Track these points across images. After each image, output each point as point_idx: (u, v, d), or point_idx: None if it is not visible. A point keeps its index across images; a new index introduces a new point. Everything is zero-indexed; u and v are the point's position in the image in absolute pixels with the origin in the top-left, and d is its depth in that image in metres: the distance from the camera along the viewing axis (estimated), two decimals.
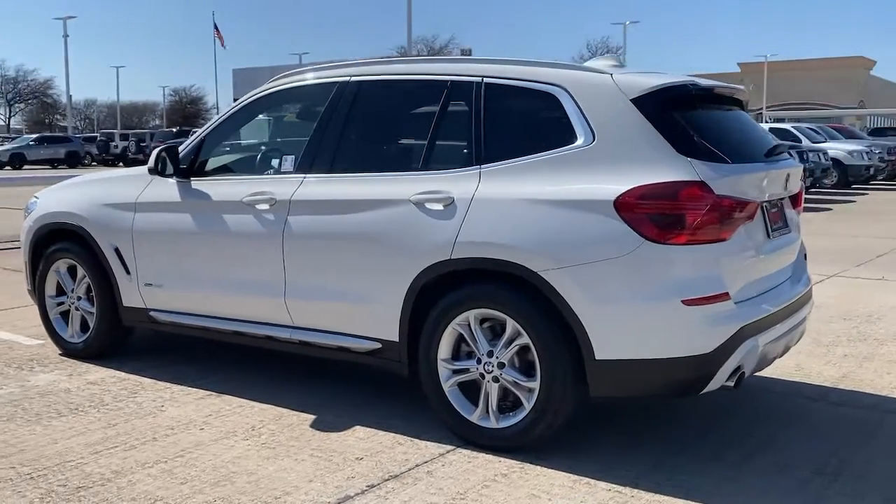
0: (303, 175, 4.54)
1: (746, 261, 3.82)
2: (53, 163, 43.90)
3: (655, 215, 3.55)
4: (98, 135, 52.91)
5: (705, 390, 3.68)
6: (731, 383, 3.69)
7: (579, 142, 3.80)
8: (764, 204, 4.00)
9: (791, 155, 4.61)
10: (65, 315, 5.66)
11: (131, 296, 5.22)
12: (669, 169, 3.62)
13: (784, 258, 4.20)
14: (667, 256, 3.56)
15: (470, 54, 76.25)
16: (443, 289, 4.01)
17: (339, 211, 4.33)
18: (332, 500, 3.43)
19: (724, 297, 3.62)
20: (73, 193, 5.60)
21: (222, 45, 71.59)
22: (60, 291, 5.66)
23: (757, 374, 4.88)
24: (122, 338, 5.53)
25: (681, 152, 3.65)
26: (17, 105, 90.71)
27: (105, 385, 4.99)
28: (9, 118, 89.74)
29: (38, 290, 5.76)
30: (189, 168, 4.98)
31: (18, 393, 4.84)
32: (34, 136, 48.78)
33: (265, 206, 4.56)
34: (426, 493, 3.49)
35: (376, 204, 4.20)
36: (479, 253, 3.88)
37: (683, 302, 3.54)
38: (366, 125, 4.56)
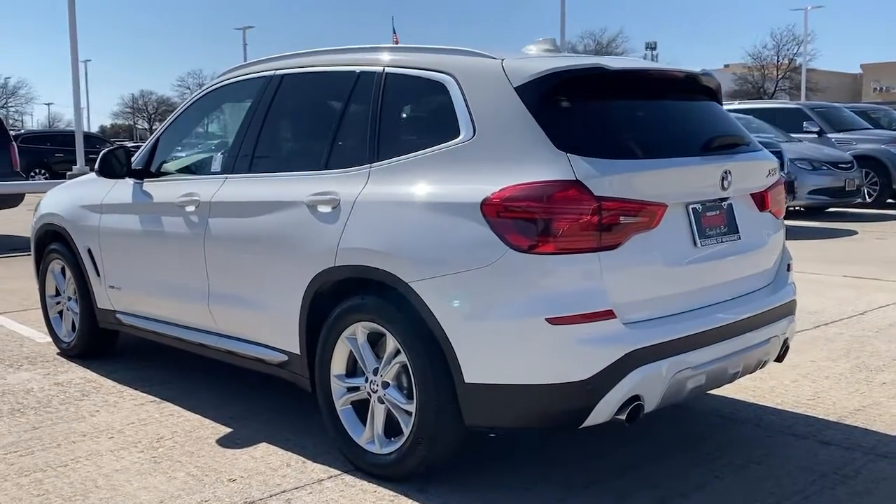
0: (226, 175, 4.34)
1: (651, 273, 3.24)
2: None
3: (521, 220, 3.06)
4: None
5: (587, 424, 3.14)
6: (622, 417, 3.13)
7: (461, 136, 3.36)
8: (690, 205, 3.39)
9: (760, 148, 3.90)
10: (62, 314, 5.76)
11: (102, 297, 5.21)
12: (543, 167, 3.11)
13: (728, 269, 3.55)
14: (531, 267, 3.05)
15: (655, 48, 73.93)
16: (335, 298, 3.68)
17: (246, 213, 4.09)
18: None
19: (607, 315, 3.07)
20: (61, 194, 5.68)
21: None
22: (59, 291, 5.76)
23: (759, 401, 4.27)
24: (106, 339, 5.53)
25: (560, 147, 3.12)
26: None
27: (66, 386, 5.00)
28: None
29: (39, 290, 5.90)
30: (145, 169, 4.89)
31: None
32: None
33: (192, 208, 4.39)
34: None
35: (276, 206, 3.93)
36: (356, 260, 3.52)
37: (548, 320, 3.02)
38: (283, 122, 4.30)
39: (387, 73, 3.74)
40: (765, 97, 56.18)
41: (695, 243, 3.38)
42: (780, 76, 64.80)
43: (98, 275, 5.18)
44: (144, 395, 4.81)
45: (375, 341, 3.56)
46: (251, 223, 4.04)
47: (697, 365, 3.29)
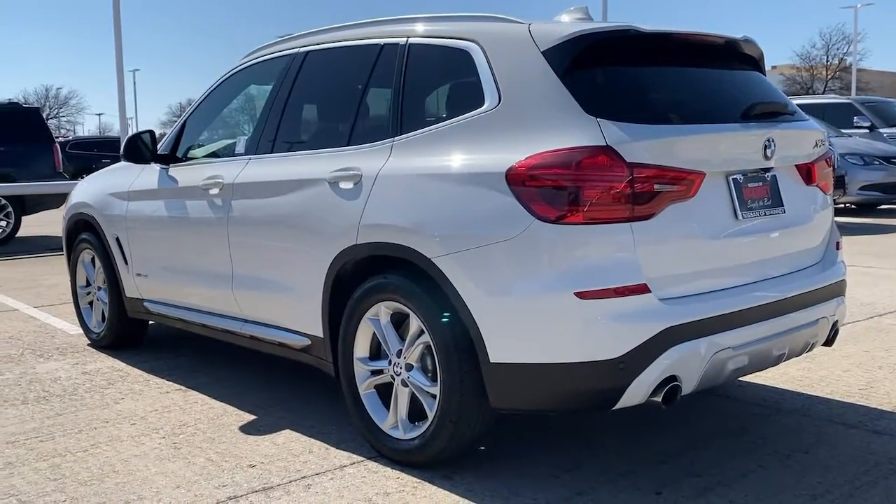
0: (249, 157, 4.23)
1: (689, 246, 3.04)
2: None
3: (548, 189, 2.89)
4: None
5: (620, 405, 2.95)
6: (658, 398, 2.94)
7: (486, 105, 3.20)
8: (731, 175, 3.19)
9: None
10: (92, 305, 5.71)
11: (130, 286, 5.14)
12: (572, 133, 2.94)
13: (773, 244, 3.33)
14: (559, 239, 2.88)
15: None
16: (358, 278, 3.55)
17: (267, 194, 3.98)
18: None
19: (641, 289, 2.89)
20: (91, 183, 5.64)
21: None
22: (89, 282, 5.71)
23: (807, 390, 4.06)
24: (135, 329, 5.46)
25: (590, 112, 2.95)
26: None
27: (93, 375, 4.94)
28: None
29: (70, 281, 5.87)
30: (171, 154, 4.82)
31: (12, 379, 4.89)
32: None
33: (216, 191, 4.30)
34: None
35: (298, 185, 3.81)
36: (378, 237, 3.38)
37: (577, 295, 2.85)
38: (306, 99, 4.18)
39: (410, 44, 3.60)
40: None
41: (736, 216, 3.18)
42: (829, 76, 63.45)
43: (126, 263, 5.12)
44: (170, 383, 4.73)
45: (399, 322, 3.42)
46: (273, 203, 3.93)
47: (739, 345, 3.09)
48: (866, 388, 4.31)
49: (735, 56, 3.58)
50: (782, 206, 3.37)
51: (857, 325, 5.64)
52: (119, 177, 5.23)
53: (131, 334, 5.46)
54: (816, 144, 3.57)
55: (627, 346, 2.85)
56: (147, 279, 4.97)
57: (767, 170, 3.31)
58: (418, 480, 3.27)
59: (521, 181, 2.94)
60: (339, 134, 3.82)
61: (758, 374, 4.39)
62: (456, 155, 3.20)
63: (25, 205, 12.22)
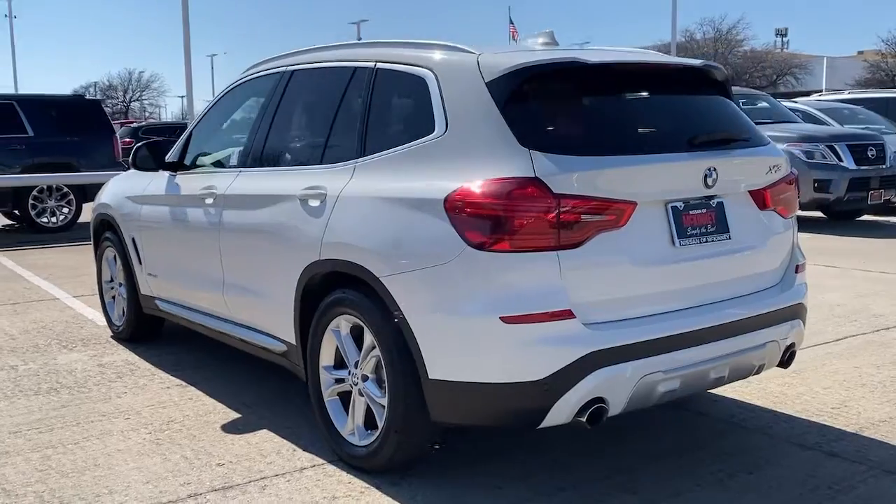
0: (240, 169, 4.47)
1: (619, 273, 3.14)
2: None
3: (478, 217, 3.03)
4: None
5: (546, 424, 3.09)
6: (583, 418, 3.06)
7: (435, 132, 3.35)
8: (670, 203, 3.27)
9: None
10: (115, 300, 6.05)
11: (144, 284, 5.46)
12: (504, 163, 3.07)
13: (715, 270, 3.40)
14: (487, 265, 3.02)
15: (786, 35, 70.75)
16: (323, 291, 3.75)
17: (251, 206, 4.21)
18: (143, 501, 3.34)
19: (565, 314, 3.01)
20: (114, 185, 5.96)
21: (515, 39, 73.22)
22: (112, 278, 6.05)
23: (779, 407, 4.11)
24: (150, 325, 5.78)
25: (524, 144, 3.07)
26: None
27: (106, 368, 5.27)
28: None
29: (97, 276, 6.23)
30: (179, 162, 5.09)
31: (33, 369, 5.25)
32: None
33: (210, 200, 4.55)
34: None
35: (275, 199, 4.03)
36: (337, 254, 3.57)
37: (503, 319, 2.99)
38: (290, 116, 4.37)
39: (377, 69, 3.77)
40: None
41: (673, 243, 3.26)
42: None
43: (140, 263, 5.43)
44: (173, 378, 5.02)
45: (359, 335, 3.60)
46: (255, 215, 4.16)
47: (670, 369, 3.18)
48: (839, 406, 4.32)
49: (691, 82, 3.64)
50: (727, 232, 3.43)
51: (858, 338, 5.61)
52: (136, 181, 5.53)
53: (147, 329, 5.78)
54: (771, 170, 3.61)
55: (551, 369, 2.98)
56: (157, 279, 5.27)
57: (711, 197, 3.38)
58: (367, 486, 3.46)
59: (455, 209, 3.08)
60: (315, 152, 4.02)
61: (735, 389, 4.49)
62: (405, 180, 3.36)
63: (87, 193, 12.80)
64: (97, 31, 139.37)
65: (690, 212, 3.32)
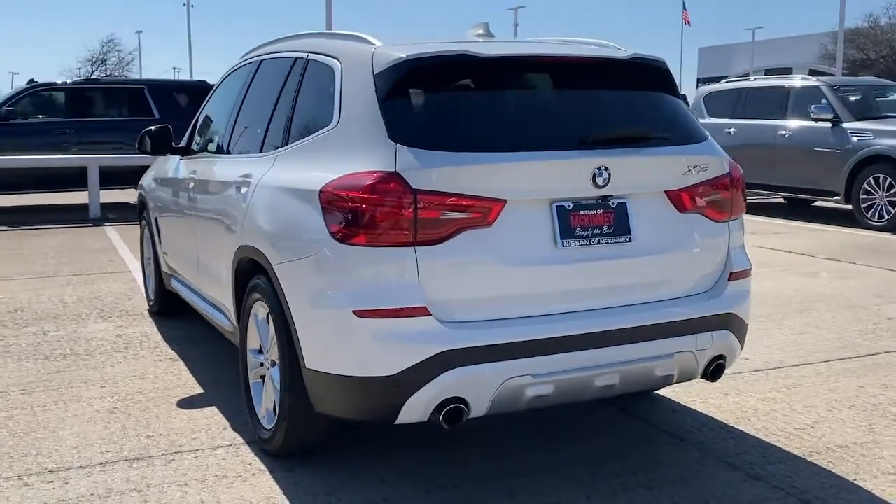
0: (217, 155, 4.66)
1: (487, 272, 3.05)
2: None
3: (340, 210, 3.04)
4: None
5: (402, 420, 3.05)
6: (439, 417, 3.01)
7: (332, 124, 3.38)
8: (556, 202, 3.14)
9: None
10: (150, 275, 6.43)
11: (163, 261, 5.78)
12: (371, 157, 3.06)
13: (607, 274, 3.22)
14: (344, 258, 3.02)
15: None
16: (249, 276, 3.85)
17: (211, 191, 4.42)
18: (55, 468, 3.56)
19: (419, 311, 2.96)
20: (152, 167, 6.31)
21: (687, 23, 70.57)
22: (148, 255, 6.44)
23: (737, 423, 3.92)
24: (175, 300, 6.07)
25: (393, 137, 3.04)
26: None
27: (122, 338, 5.61)
28: None
29: (140, 252, 6.64)
30: (187, 146, 5.33)
31: (59, 336, 5.68)
32: None
33: (192, 184, 4.77)
34: (122, 480, 3.43)
35: (223, 185, 4.20)
36: (249, 241, 3.68)
37: (355, 313, 2.98)
38: (251, 105, 4.48)
39: (308, 59, 3.82)
40: None
41: (556, 243, 3.13)
42: None
43: (160, 241, 5.75)
44: (171, 352, 5.29)
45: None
46: (211, 200, 4.36)
47: (541, 373, 3.07)
48: (805, 427, 4.00)
49: (602, 77, 3.46)
50: (628, 234, 3.25)
51: (888, 356, 5.15)
52: (165, 164, 5.84)
53: (172, 304, 6.10)
54: (692, 170, 3.38)
55: (402, 366, 2.95)
56: (168, 257, 5.57)
57: (607, 197, 3.21)
58: (263, 469, 3.54)
59: (326, 201, 3.10)
60: (256, 141, 4.12)
61: (706, 400, 4.26)
62: (301, 170, 3.40)
63: None
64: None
65: (581, 212, 3.18)
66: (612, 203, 3.23)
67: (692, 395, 4.43)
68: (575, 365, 3.13)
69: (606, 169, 3.15)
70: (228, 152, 4.50)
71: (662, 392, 4.45)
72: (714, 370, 3.47)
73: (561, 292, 3.16)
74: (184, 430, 3.98)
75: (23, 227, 11.33)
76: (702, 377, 3.49)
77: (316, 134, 3.45)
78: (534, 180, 3.10)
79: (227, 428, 4.00)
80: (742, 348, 3.62)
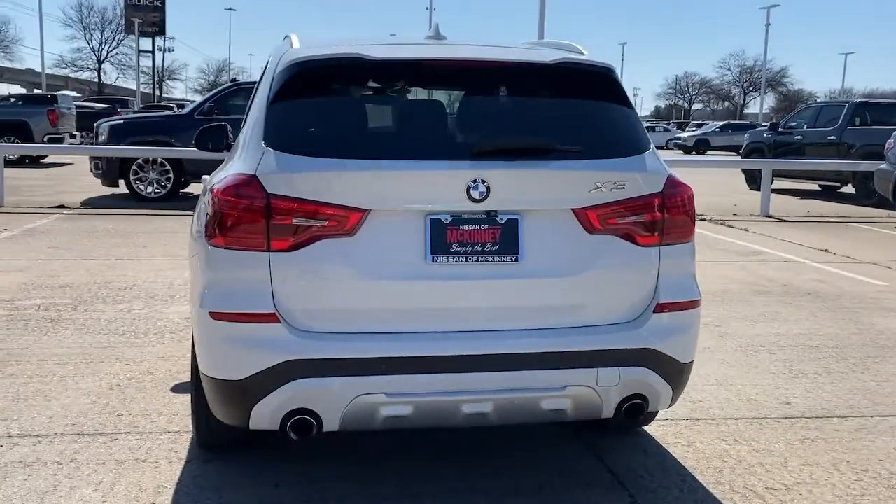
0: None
1: (344, 283, 2.93)
2: (735, 149, 45.30)
3: (212, 212, 3.06)
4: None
5: (254, 427, 3.02)
6: (287, 428, 2.95)
7: (246, 124, 3.42)
8: (432, 215, 2.96)
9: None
10: None
11: None
12: (245, 160, 3.08)
13: (488, 294, 3.00)
14: (210, 259, 3.04)
15: None
16: None
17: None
18: (18, 434, 3.87)
19: (269, 318, 2.92)
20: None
21: None
22: None
23: (700, 472, 3.70)
24: None
25: (266, 140, 3.03)
26: (752, 94, 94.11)
27: (153, 321, 5.95)
28: (750, 106, 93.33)
29: None
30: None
31: (138, 314, 6.15)
32: (720, 123, 50.96)
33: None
34: (57, 452, 3.67)
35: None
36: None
37: (211, 314, 2.99)
38: (250, 107, 4.57)
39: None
40: None
41: (425, 258, 2.96)
42: None
43: None
44: (181, 336, 5.54)
45: None
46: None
47: (396, 393, 2.93)
48: (777, 490, 3.49)
49: (510, 81, 3.21)
50: (516, 253, 3.00)
51: None
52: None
53: None
54: (600, 187, 3.05)
55: (249, 371, 2.93)
56: None
57: (493, 212, 2.99)
58: (183, 458, 3.65)
59: (212, 201, 3.14)
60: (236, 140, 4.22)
61: (694, 443, 3.90)
62: (220, 170, 3.47)
63: None
64: None
65: (461, 227, 2.98)
66: (501, 219, 3.00)
67: (681, 436, 4.02)
68: (437, 388, 2.95)
69: (484, 182, 2.93)
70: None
71: (649, 428, 4.07)
72: (631, 411, 3.13)
73: (429, 310, 2.99)
74: (152, 413, 4.19)
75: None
76: (616, 417, 3.16)
77: (240, 135, 3.51)
78: (404, 191, 2.96)
79: (186, 416, 4.13)
80: (676, 390, 3.24)
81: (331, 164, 2.94)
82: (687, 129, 54.29)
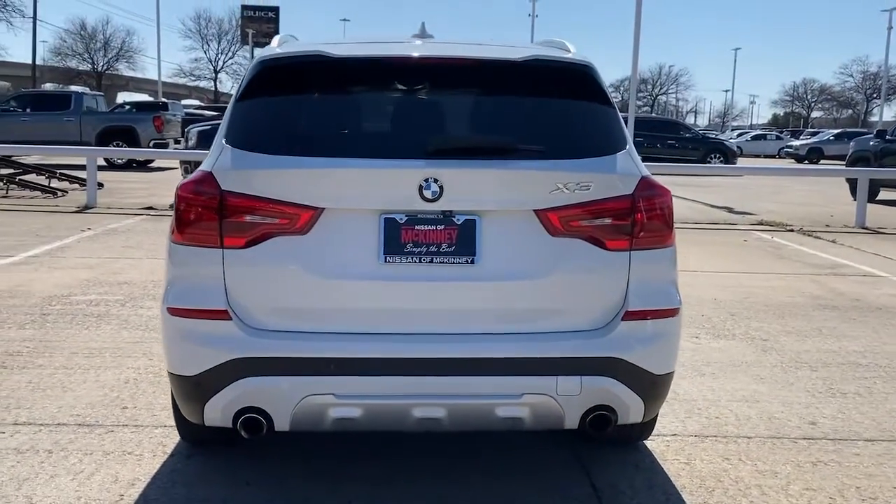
0: None
1: (295, 281, 2.91)
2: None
3: (175, 208, 3.09)
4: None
5: (210, 423, 3.03)
6: (237, 426, 2.95)
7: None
8: (387, 215, 2.91)
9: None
10: None
11: None
12: (208, 158, 3.08)
13: (442, 296, 2.92)
14: (171, 255, 3.07)
15: None
16: None
17: None
18: (24, 422, 4.01)
19: (220, 315, 2.93)
20: None
21: None
22: None
23: (686, 492, 3.54)
24: None
25: (226, 138, 3.04)
26: (875, 101, 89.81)
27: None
28: (874, 114, 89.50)
29: None
30: None
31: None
32: (835, 131, 48.78)
33: None
34: (52, 441, 3.78)
35: None
36: None
37: (169, 310, 3.02)
38: None
39: None
40: None
41: (378, 258, 2.91)
42: None
43: None
44: None
45: None
46: None
47: (345, 394, 2.88)
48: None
49: (475, 79, 3.12)
50: (472, 255, 2.91)
51: None
52: None
53: None
54: (562, 188, 2.92)
55: (200, 367, 2.94)
56: None
57: (450, 213, 2.91)
58: (167, 452, 3.71)
59: (174, 198, 3.17)
60: None
61: (693, 460, 3.75)
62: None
63: None
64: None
65: (416, 227, 2.91)
66: (458, 220, 2.92)
67: (682, 452, 3.83)
68: (388, 391, 2.89)
69: (437, 181, 2.86)
70: None
71: (651, 443, 3.89)
72: (595, 422, 2.99)
73: (382, 311, 2.93)
74: (156, 407, 4.27)
75: None
76: (582, 428, 3.03)
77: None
78: (357, 189, 2.91)
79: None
80: (650, 403, 3.07)
81: (285, 161, 2.93)
82: (801, 137, 52.20)
